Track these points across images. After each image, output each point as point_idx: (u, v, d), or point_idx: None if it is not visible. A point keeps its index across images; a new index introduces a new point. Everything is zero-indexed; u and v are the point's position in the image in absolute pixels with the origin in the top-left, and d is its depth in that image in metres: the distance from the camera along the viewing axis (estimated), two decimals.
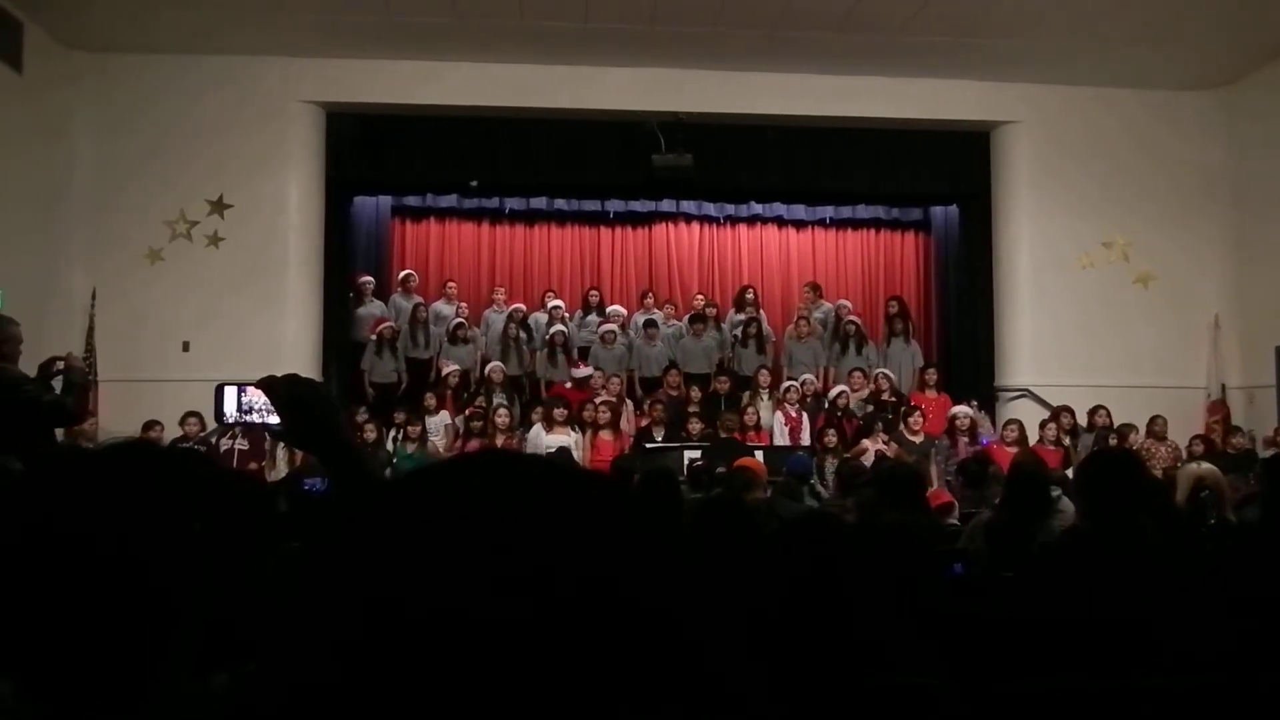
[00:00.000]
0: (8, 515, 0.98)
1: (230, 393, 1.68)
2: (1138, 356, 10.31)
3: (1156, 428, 9.32)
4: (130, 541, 0.98)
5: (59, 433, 6.01)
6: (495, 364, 10.12)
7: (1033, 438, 9.05)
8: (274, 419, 1.55)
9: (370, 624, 0.45)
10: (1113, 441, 8.94)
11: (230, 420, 1.70)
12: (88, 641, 0.94)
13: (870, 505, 4.22)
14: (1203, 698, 2.09)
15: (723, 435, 9.05)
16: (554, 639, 0.45)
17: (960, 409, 9.27)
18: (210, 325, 9.54)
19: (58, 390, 4.71)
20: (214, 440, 8.64)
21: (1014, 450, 8.66)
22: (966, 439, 8.93)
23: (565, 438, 8.95)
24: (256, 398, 1.63)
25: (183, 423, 8.59)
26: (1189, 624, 2.50)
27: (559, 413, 9.13)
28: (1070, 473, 7.01)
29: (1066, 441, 9.09)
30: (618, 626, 0.46)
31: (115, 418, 8.76)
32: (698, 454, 8.05)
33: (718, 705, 0.48)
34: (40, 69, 8.96)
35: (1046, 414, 9.56)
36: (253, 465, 8.47)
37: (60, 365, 4.73)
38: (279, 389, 1.48)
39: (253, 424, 1.67)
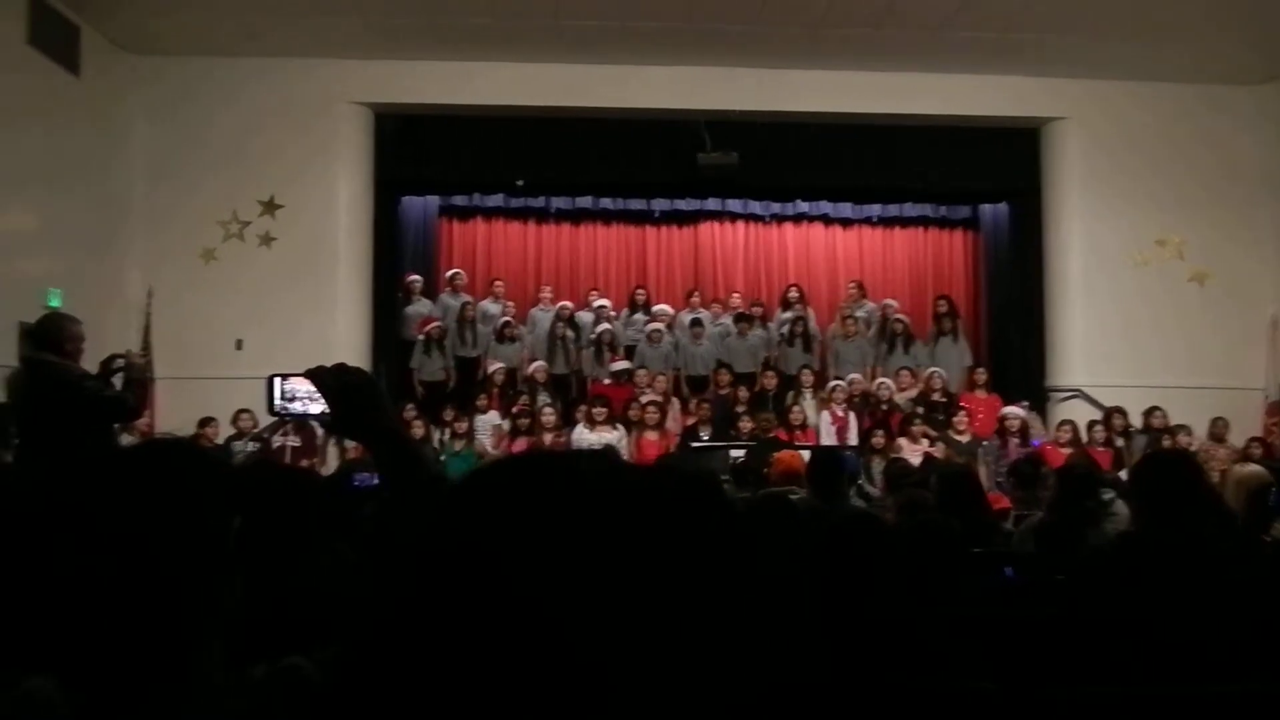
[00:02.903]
0: (44, 511, 1.01)
1: (278, 383, 1.68)
2: (1193, 357, 10.08)
3: (1217, 429, 9.14)
4: (157, 537, 1.01)
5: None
6: (539, 363, 10.14)
7: (1083, 439, 8.91)
8: (315, 408, 1.54)
9: (462, 618, 0.46)
10: (1166, 443, 8.77)
11: (277, 410, 1.68)
12: (119, 634, 0.97)
13: (917, 506, 4.17)
14: (1258, 705, 2.05)
15: (760, 434, 8.95)
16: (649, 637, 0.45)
17: (1011, 410, 9.13)
18: (262, 323, 9.66)
19: (119, 387, 4.81)
20: (267, 436, 8.79)
21: (1068, 451, 8.53)
22: (1017, 440, 8.79)
23: (609, 435, 8.94)
24: (299, 387, 1.61)
25: (235, 419, 8.74)
26: (1246, 630, 2.46)
27: (598, 411, 9.13)
28: (1123, 474, 6.89)
29: (1119, 443, 8.94)
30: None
31: (170, 415, 8.91)
32: (742, 453, 8.00)
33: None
34: (96, 72, 9.15)
35: (1098, 415, 9.40)
36: (304, 462, 8.59)
37: (120, 362, 4.84)
38: (326, 378, 1.49)
39: (294, 413, 1.66)
